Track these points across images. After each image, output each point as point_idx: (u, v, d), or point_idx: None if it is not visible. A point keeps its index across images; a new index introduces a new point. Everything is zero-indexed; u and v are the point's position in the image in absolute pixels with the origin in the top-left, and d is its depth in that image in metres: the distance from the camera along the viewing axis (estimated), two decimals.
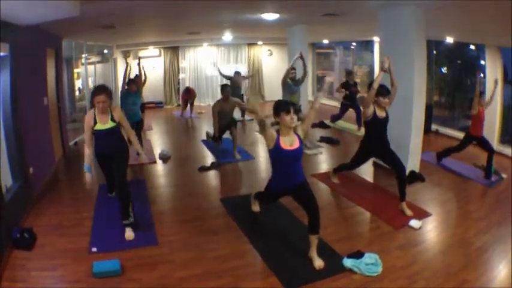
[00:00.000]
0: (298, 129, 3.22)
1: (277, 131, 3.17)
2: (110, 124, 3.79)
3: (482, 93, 5.39)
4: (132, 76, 7.62)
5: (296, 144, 3.15)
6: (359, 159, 4.75)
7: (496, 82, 5.82)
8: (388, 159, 4.41)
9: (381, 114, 4.24)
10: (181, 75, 13.08)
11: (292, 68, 6.59)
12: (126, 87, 6.46)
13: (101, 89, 3.71)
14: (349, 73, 8.79)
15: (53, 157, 6.12)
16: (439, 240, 3.73)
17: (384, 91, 4.15)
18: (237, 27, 8.91)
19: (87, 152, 3.76)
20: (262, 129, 3.18)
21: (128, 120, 6.08)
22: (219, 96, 13.65)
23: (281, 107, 3.11)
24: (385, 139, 4.39)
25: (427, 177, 5.32)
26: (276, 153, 3.16)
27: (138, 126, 6.35)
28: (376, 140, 4.40)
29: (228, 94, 6.17)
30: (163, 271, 3.20)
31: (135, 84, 6.45)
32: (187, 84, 13.07)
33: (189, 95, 10.70)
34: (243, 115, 10.10)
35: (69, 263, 3.28)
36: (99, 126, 3.75)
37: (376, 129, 4.32)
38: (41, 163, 5.20)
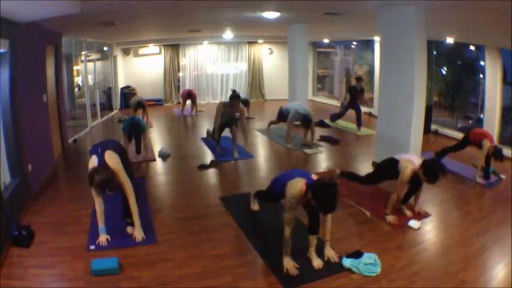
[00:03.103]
0: None
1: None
2: None
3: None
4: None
5: None
6: (374, 180, 4.72)
7: None
8: None
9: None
10: (180, 74, 13.07)
11: None
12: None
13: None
14: (358, 79, 8.81)
15: (52, 154, 6.11)
16: (438, 240, 3.73)
17: (432, 180, 3.91)
18: (237, 26, 8.89)
19: (99, 210, 3.50)
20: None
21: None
22: (219, 94, 13.73)
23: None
24: None
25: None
26: None
27: (141, 133, 6.25)
28: None
29: (237, 105, 6.21)
30: (162, 269, 3.19)
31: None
32: (187, 82, 13.09)
33: (190, 96, 10.74)
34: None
35: (67, 261, 3.27)
36: None
37: None
38: (40, 160, 5.19)
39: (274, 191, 3.53)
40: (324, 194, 2.79)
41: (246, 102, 9.51)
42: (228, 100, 6.26)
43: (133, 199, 3.61)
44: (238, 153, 6.51)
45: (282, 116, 7.52)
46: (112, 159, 3.46)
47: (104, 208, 3.55)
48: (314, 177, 3.10)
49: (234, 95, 6.24)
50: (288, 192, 3.03)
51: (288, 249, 3.13)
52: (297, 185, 3.00)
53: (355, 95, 8.63)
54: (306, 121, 6.92)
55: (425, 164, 3.88)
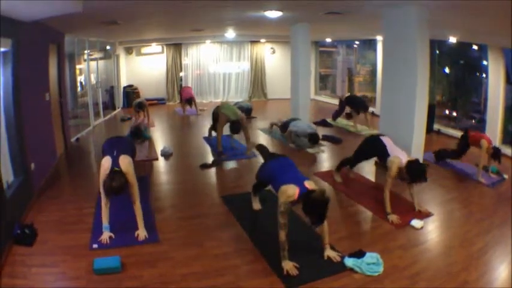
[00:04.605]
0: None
1: None
2: None
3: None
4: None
5: None
6: (358, 156, 4.89)
7: None
8: None
9: None
10: (182, 73, 13.07)
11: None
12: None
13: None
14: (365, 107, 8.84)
15: (55, 153, 6.12)
16: (441, 240, 3.73)
17: (412, 179, 4.09)
18: (240, 25, 8.89)
19: (105, 208, 3.58)
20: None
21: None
22: (221, 93, 13.70)
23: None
24: None
25: (428, 177, 5.28)
26: None
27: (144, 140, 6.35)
28: None
29: (240, 125, 6.31)
30: (163, 268, 3.20)
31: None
32: (189, 82, 13.09)
33: (188, 98, 10.74)
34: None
35: (70, 260, 3.28)
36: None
37: None
38: (43, 159, 5.20)
39: (262, 178, 3.87)
40: (313, 209, 2.94)
41: (248, 111, 9.46)
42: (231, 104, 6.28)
43: (139, 200, 3.69)
44: (240, 154, 6.50)
45: (287, 128, 7.49)
46: (125, 162, 3.59)
47: (109, 206, 3.61)
48: (307, 185, 3.10)
49: (236, 125, 6.26)
50: (281, 198, 3.12)
51: (285, 253, 3.14)
52: (289, 192, 3.07)
53: (358, 111, 8.67)
54: (314, 138, 6.92)
55: (409, 164, 4.03)
